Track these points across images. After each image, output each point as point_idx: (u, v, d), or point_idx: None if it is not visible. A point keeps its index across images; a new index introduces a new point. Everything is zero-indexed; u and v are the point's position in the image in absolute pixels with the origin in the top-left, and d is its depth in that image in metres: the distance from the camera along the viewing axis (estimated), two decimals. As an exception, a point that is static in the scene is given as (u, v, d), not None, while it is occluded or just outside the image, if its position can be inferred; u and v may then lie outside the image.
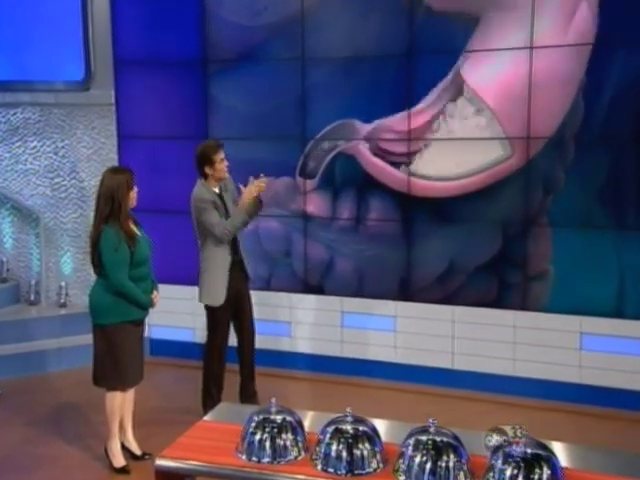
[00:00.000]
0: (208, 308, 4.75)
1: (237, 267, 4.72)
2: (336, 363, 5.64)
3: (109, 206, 3.93)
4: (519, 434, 2.44)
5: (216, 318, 4.74)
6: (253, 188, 4.53)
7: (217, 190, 4.67)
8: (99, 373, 4.11)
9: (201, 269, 4.73)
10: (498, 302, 5.23)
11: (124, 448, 4.27)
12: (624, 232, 4.88)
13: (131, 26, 5.90)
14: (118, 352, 4.03)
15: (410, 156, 5.30)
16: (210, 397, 4.77)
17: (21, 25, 6.06)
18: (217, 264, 4.64)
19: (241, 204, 4.57)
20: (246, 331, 4.86)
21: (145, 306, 4.11)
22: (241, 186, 4.62)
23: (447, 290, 5.35)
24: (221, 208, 4.62)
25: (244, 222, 4.60)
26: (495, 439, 2.56)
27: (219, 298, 4.66)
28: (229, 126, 5.72)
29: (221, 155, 4.59)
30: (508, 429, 2.50)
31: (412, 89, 5.23)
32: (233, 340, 4.89)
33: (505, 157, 5.07)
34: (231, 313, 4.78)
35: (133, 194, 4.02)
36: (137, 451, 4.29)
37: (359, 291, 5.58)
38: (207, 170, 4.59)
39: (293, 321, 5.76)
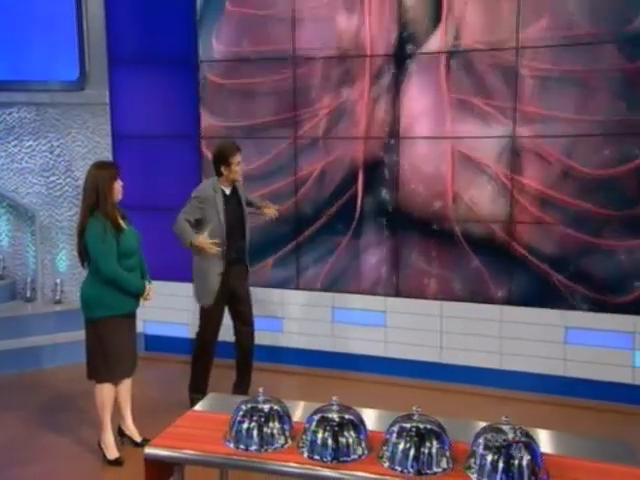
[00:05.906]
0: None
1: (236, 262, 4.68)
2: (327, 357, 5.66)
3: (94, 198, 3.95)
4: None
5: (206, 314, 4.75)
6: (207, 249, 4.52)
7: (227, 191, 4.66)
8: (91, 366, 4.13)
9: (194, 265, 4.72)
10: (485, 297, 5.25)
11: (125, 435, 4.35)
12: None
13: (125, 25, 5.86)
14: (107, 345, 4.05)
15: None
16: (195, 391, 4.79)
17: (16, 25, 6.04)
18: (210, 261, 4.59)
19: (197, 243, 4.52)
20: (244, 328, 4.84)
21: (139, 290, 4.06)
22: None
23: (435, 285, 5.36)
24: (220, 212, 4.56)
25: (185, 242, 4.55)
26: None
27: (208, 299, 4.66)
28: (223, 126, 5.69)
29: (238, 158, 4.58)
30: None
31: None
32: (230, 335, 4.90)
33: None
34: (229, 309, 4.77)
35: (118, 186, 4.03)
36: (137, 438, 4.34)
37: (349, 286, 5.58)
38: (222, 170, 4.59)
39: (285, 317, 5.77)
